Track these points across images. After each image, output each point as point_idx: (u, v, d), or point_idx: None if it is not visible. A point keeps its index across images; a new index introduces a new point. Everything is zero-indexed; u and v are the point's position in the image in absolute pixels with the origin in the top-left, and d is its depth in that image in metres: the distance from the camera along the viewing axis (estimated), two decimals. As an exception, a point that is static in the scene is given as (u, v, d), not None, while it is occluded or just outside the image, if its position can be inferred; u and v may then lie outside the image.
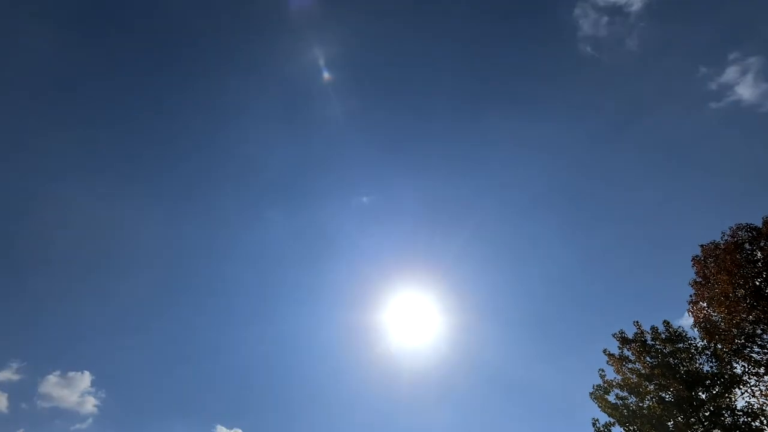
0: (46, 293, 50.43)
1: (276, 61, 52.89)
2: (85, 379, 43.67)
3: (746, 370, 15.12)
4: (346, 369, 51.04)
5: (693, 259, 17.06)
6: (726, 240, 16.15)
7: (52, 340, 48.55)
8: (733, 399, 15.01)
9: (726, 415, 14.74)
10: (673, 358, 16.23)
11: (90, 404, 42.75)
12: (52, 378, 43.26)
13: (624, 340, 17.44)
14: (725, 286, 15.47)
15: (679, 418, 15.01)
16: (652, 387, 15.97)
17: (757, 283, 14.98)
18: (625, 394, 16.38)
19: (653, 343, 16.86)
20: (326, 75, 49.06)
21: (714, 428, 14.58)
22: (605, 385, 16.92)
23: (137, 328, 51.88)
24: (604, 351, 17.77)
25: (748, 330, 15.13)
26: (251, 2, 51.93)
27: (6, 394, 40.58)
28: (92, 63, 51.56)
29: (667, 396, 15.58)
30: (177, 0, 51.65)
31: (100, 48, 50.90)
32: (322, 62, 48.73)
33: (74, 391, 42.86)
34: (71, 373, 43.56)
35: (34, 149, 49.01)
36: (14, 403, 40.43)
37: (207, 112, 55.53)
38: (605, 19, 48.69)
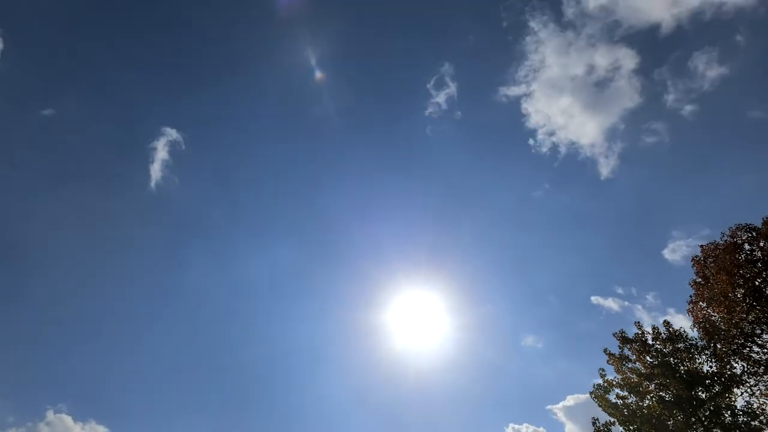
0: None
1: (268, 61, 53.34)
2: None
3: (746, 369, 15.21)
4: (349, 370, 51.33)
5: (693, 259, 17.12)
6: (726, 240, 16.20)
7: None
8: (733, 398, 15.09)
9: (726, 414, 14.83)
10: (673, 358, 16.31)
11: None
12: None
13: (624, 340, 17.51)
14: (725, 286, 15.53)
15: (679, 418, 15.10)
16: (652, 386, 16.06)
17: (757, 283, 15.05)
18: (626, 393, 16.47)
19: (653, 342, 16.94)
20: (318, 74, 49.35)
21: (714, 427, 14.66)
22: (605, 384, 17.01)
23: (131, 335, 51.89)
24: (605, 350, 17.88)
25: (748, 330, 15.21)
26: (243, 2, 52.36)
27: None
28: (91, 57, 52.35)
29: (667, 395, 15.67)
30: (172, 1, 52.22)
31: (98, 42, 51.65)
32: (313, 61, 49.05)
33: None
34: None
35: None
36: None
37: (204, 111, 56.10)
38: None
